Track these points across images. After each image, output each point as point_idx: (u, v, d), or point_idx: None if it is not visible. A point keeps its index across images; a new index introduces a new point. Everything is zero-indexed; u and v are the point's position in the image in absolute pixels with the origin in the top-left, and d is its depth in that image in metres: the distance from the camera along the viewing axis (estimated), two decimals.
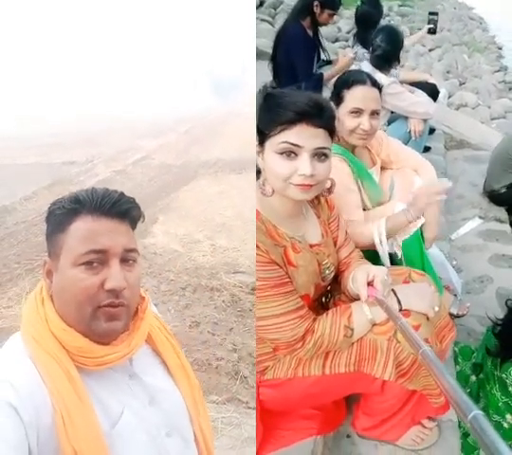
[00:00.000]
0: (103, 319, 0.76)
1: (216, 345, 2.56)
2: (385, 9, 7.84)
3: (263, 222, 1.25)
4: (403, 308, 1.31)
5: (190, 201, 5.03)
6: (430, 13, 3.52)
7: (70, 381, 0.73)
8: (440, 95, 3.47)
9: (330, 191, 1.30)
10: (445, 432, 1.62)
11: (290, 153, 1.11)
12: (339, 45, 6.37)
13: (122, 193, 0.81)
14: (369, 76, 1.72)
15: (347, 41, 6.28)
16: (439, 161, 3.77)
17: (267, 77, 3.35)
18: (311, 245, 1.34)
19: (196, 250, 3.77)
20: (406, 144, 2.90)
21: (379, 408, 1.51)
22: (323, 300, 1.50)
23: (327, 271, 1.37)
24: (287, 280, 1.23)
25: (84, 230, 0.76)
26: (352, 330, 1.28)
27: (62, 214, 0.78)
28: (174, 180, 5.90)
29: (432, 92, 3.30)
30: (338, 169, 1.71)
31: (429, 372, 0.84)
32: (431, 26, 3.43)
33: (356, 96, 1.66)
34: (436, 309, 1.32)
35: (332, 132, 1.16)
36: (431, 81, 3.47)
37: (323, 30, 5.73)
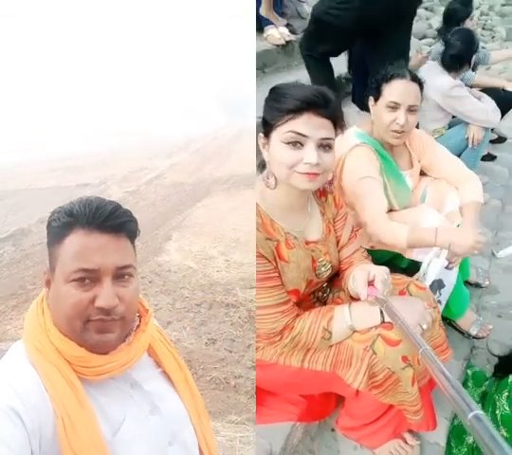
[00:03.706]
0: (94, 331, 0.75)
1: (234, 363, 2.48)
2: (486, 8, 7.65)
3: (260, 215, 1.25)
4: (385, 321, 1.28)
5: (203, 218, 5.02)
6: None
7: (72, 389, 0.73)
8: None
9: (331, 182, 1.31)
10: None
11: (296, 142, 1.13)
12: (426, 42, 6.19)
13: (118, 206, 0.79)
14: (409, 71, 1.71)
15: (435, 38, 6.10)
16: (502, 172, 3.60)
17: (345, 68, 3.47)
18: (308, 242, 1.34)
19: (211, 266, 3.72)
20: (462, 151, 2.87)
21: (358, 412, 1.50)
22: (320, 294, 1.48)
23: (323, 268, 1.37)
24: (273, 274, 1.23)
25: (76, 247, 0.75)
26: (330, 333, 1.28)
27: (57, 227, 0.78)
28: (187, 198, 5.91)
29: (507, 101, 3.18)
30: (362, 156, 1.70)
31: (429, 370, 0.81)
32: None
33: (393, 90, 1.66)
34: (425, 327, 1.27)
35: (336, 123, 1.18)
36: (509, 88, 3.31)
37: (413, 26, 5.67)
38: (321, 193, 1.40)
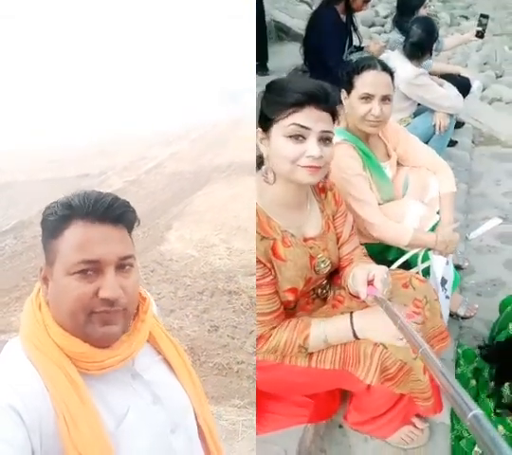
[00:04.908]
0: (98, 324, 0.74)
1: (237, 349, 2.51)
2: None
3: (257, 213, 1.25)
4: (359, 337, 1.28)
5: (204, 206, 5.02)
6: (482, 16, 3.31)
7: (73, 385, 0.72)
8: (473, 87, 3.37)
9: (326, 176, 1.29)
10: (436, 435, 1.61)
11: (298, 136, 1.13)
12: (375, 30, 6.12)
13: (116, 197, 0.78)
14: (379, 61, 1.70)
15: (383, 26, 6.07)
16: (464, 157, 3.67)
17: (299, 60, 3.44)
18: (306, 239, 1.33)
19: (212, 254, 3.73)
20: (430, 138, 2.88)
21: (368, 406, 1.51)
22: (320, 291, 1.47)
23: (322, 265, 1.36)
24: (264, 280, 1.24)
25: (77, 238, 0.74)
26: (306, 349, 1.28)
27: (54, 220, 0.76)
28: (188, 186, 5.90)
29: (464, 86, 3.22)
30: (346, 154, 1.71)
31: (429, 370, 0.81)
32: (480, 29, 3.26)
33: (365, 81, 1.65)
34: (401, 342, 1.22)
35: (335, 117, 1.19)
36: (464, 74, 3.37)
37: (361, 14, 5.67)
38: (321, 190, 1.39)
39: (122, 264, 0.76)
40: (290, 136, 1.13)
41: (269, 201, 1.27)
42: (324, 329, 1.28)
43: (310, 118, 1.12)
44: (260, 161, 1.28)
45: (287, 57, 3.73)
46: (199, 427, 0.89)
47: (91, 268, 0.74)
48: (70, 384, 0.72)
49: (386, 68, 1.67)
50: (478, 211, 3.16)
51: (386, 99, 1.65)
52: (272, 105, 1.16)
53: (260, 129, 1.21)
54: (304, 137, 1.13)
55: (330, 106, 1.15)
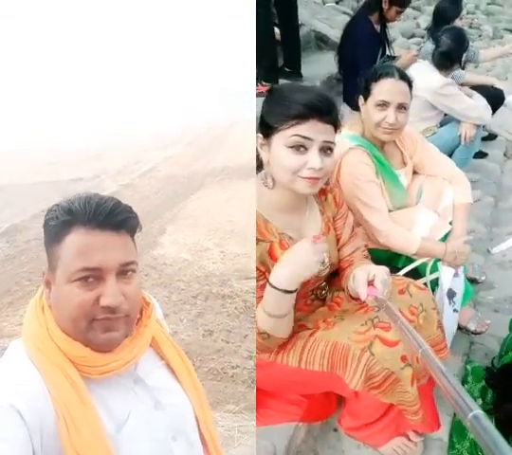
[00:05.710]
0: (100, 331, 0.75)
1: (231, 353, 2.50)
2: (472, 7, 7.65)
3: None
4: (277, 288, 1.16)
5: (198, 210, 5.01)
6: None
7: (74, 388, 0.72)
8: (509, 99, 3.35)
9: (327, 183, 1.29)
10: (431, 451, 1.59)
11: (300, 146, 1.13)
12: (414, 40, 6.18)
13: (118, 202, 0.78)
14: (398, 69, 1.72)
15: (423, 37, 6.06)
16: (495, 169, 3.62)
17: (335, 68, 3.50)
18: None
19: (206, 258, 3.72)
20: (455, 148, 2.89)
21: (359, 412, 1.50)
22: (319, 292, 1.47)
23: (321, 267, 1.34)
24: (260, 283, 1.24)
25: (78, 245, 0.74)
26: (266, 333, 1.24)
27: (56, 225, 0.76)
28: (182, 190, 5.90)
29: (497, 98, 3.21)
30: (360, 160, 1.72)
31: (429, 370, 0.80)
32: None
33: (382, 88, 1.67)
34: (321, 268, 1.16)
35: (337, 127, 1.20)
36: (498, 86, 3.35)
37: (402, 25, 5.83)
38: (321, 192, 1.39)
39: (124, 271, 0.76)
40: (292, 147, 1.13)
41: (267, 204, 1.27)
42: (262, 303, 1.23)
43: (313, 130, 1.12)
44: (260, 163, 1.28)
45: (324, 65, 3.79)
46: (201, 433, 0.89)
47: (92, 276, 0.74)
48: (71, 386, 0.72)
49: (404, 77, 1.69)
50: (504, 226, 3.12)
51: (402, 107, 1.67)
52: (274, 114, 1.16)
53: (260, 134, 1.21)
54: (306, 148, 1.13)
55: (333, 118, 1.16)
